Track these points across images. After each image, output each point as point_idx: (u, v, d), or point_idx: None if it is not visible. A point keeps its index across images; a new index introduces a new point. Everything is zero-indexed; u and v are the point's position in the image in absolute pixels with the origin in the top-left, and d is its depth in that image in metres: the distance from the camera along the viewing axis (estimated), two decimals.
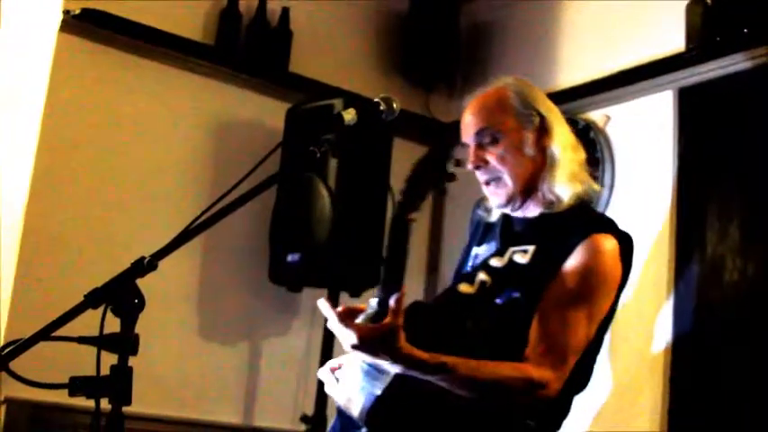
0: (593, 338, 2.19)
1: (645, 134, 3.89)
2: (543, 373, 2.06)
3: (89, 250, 3.80)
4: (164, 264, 1.76)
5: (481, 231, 2.47)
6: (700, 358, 3.47)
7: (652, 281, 3.67)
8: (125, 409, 1.66)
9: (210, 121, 4.28)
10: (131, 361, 1.68)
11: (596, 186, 2.37)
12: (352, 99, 3.87)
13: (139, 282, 1.71)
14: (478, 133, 2.33)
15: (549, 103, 2.39)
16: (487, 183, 2.34)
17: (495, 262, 2.29)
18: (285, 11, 4.43)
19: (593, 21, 4.27)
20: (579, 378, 2.22)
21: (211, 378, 4.12)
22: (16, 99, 4.05)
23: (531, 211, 2.34)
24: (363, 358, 2.05)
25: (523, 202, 2.33)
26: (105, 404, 1.65)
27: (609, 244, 2.20)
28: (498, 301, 2.19)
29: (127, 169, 4.01)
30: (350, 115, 2.14)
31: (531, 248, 2.24)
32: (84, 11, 3.86)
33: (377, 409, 2.02)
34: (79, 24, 3.89)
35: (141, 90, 4.09)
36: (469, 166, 2.33)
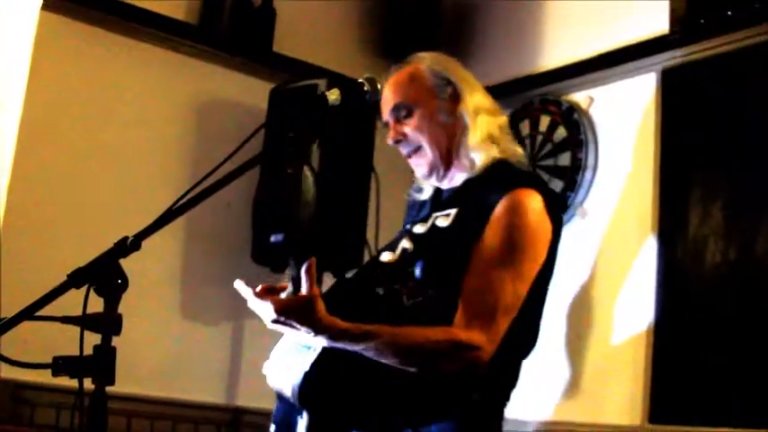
0: (527, 298, 2.12)
1: (628, 116, 3.90)
2: (472, 336, 2.01)
3: (72, 230, 3.78)
4: (147, 244, 1.76)
5: (415, 211, 2.47)
6: (681, 340, 3.49)
7: (634, 262, 3.69)
8: (108, 388, 1.66)
9: (193, 101, 4.26)
10: (114, 341, 1.67)
11: (518, 149, 2.35)
12: (336, 79, 3.86)
13: (122, 262, 1.71)
14: (394, 110, 2.37)
15: (463, 72, 2.41)
16: (409, 155, 2.38)
17: (418, 228, 2.28)
18: None
19: (576, 2, 4.27)
20: (520, 342, 2.18)
21: (195, 358, 4.12)
22: None
23: (457, 179, 2.35)
24: (294, 338, 2.04)
25: (447, 170, 2.34)
26: (89, 384, 1.65)
27: (532, 199, 2.15)
28: (417, 269, 2.15)
29: (109, 148, 3.99)
30: (334, 95, 2.15)
31: (452, 211, 2.22)
32: None
33: (306, 386, 2.03)
34: (62, 3, 3.86)
35: (124, 69, 4.06)
36: (390, 142, 2.39)
